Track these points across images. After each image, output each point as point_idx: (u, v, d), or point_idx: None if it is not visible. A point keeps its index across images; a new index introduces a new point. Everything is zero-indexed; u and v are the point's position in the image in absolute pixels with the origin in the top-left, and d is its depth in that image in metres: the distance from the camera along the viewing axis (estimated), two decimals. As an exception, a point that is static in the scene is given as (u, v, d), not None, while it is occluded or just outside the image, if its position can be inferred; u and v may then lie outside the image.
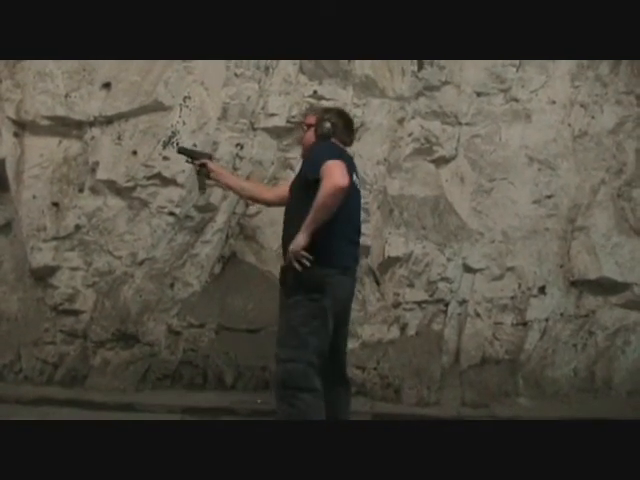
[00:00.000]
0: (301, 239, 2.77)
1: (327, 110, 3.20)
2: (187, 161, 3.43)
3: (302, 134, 3.24)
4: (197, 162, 3.38)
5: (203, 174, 3.38)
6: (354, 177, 2.99)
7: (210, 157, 3.49)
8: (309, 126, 3.14)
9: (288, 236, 2.91)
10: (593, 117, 4.12)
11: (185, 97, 3.83)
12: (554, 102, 4.08)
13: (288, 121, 3.91)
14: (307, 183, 2.87)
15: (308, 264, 2.78)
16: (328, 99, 3.87)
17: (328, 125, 3.03)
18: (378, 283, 3.99)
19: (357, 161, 3.89)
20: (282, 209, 3.12)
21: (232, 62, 3.85)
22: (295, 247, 2.78)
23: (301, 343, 2.79)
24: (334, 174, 2.76)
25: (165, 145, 3.80)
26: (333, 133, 3.05)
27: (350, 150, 3.88)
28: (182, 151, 3.47)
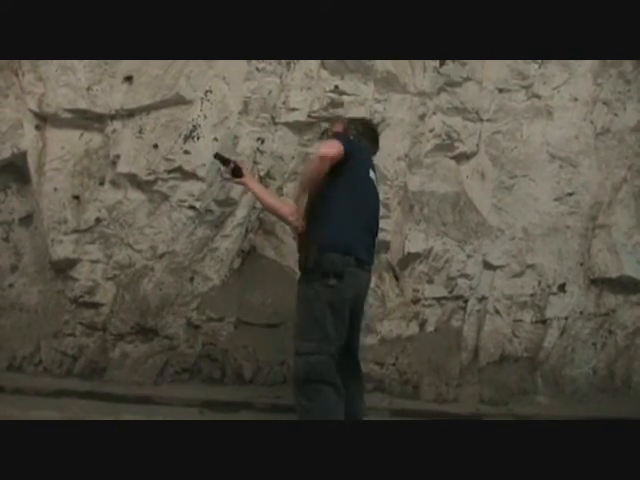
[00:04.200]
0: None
1: (353, 120, 3.24)
2: (225, 170, 3.28)
3: (325, 139, 3.19)
4: (230, 166, 3.20)
5: (237, 175, 3.23)
6: (370, 173, 2.99)
7: (241, 172, 3.24)
8: (336, 134, 3.09)
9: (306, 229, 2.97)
10: (616, 114, 4.09)
11: (206, 91, 3.84)
12: (576, 99, 4.06)
13: (309, 116, 3.91)
14: None
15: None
16: (349, 94, 3.87)
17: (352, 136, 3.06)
18: (397, 279, 3.98)
19: (378, 156, 3.89)
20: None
21: (254, 56, 3.86)
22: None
23: (323, 335, 2.78)
24: (322, 147, 2.87)
25: (186, 139, 3.81)
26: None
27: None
28: (218, 157, 3.30)
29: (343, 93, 3.87)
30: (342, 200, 2.84)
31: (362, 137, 3.07)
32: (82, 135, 3.91)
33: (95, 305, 3.93)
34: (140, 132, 3.86)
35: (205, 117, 3.84)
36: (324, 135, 3.27)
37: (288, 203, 3.20)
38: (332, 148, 2.83)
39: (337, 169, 2.83)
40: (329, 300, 2.79)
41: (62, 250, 3.89)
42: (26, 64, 3.85)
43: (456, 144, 4.00)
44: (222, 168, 3.38)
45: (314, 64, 3.88)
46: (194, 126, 3.83)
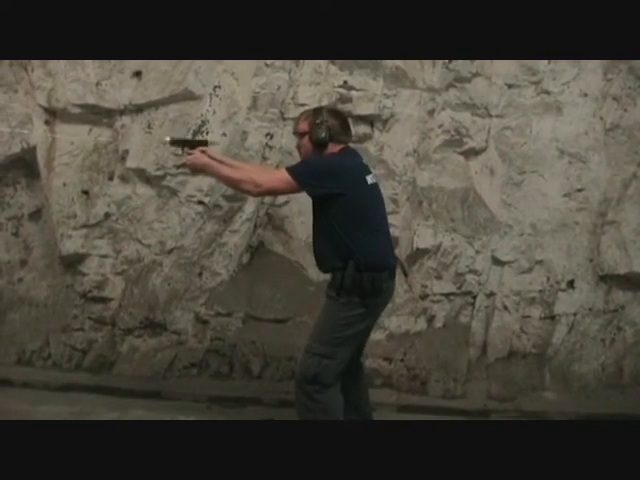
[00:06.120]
0: (204, 164, 2.92)
1: (318, 112, 2.93)
2: (181, 153, 3.05)
3: (298, 141, 3.00)
4: (194, 151, 2.98)
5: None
6: (369, 177, 2.93)
7: (206, 143, 3.14)
8: (303, 134, 2.92)
9: (315, 251, 2.96)
10: (625, 110, 4.06)
11: (215, 86, 3.84)
12: (586, 95, 4.03)
13: (318, 111, 3.90)
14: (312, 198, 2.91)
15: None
16: (358, 90, 3.85)
17: (323, 133, 2.84)
18: (406, 274, 3.94)
19: (386, 152, 3.92)
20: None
21: (262, 52, 3.85)
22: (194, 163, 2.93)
23: (342, 342, 2.81)
24: (272, 179, 2.86)
25: (195, 134, 3.81)
26: (330, 138, 2.87)
27: (379, 141, 3.92)
28: (175, 143, 3.08)
29: (352, 88, 3.86)
30: (361, 218, 2.83)
31: (332, 131, 2.86)
32: (91, 130, 3.92)
33: (104, 300, 3.95)
34: (149, 127, 3.86)
35: (214, 112, 3.84)
36: (296, 135, 3.03)
37: (246, 169, 3.12)
38: (258, 187, 2.81)
39: (336, 197, 2.79)
40: (360, 314, 2.82)
41: (71, 245, 3.91)
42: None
43: (465, 140, 3.99)
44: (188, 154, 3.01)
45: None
46: (203, 121, 3.84)
